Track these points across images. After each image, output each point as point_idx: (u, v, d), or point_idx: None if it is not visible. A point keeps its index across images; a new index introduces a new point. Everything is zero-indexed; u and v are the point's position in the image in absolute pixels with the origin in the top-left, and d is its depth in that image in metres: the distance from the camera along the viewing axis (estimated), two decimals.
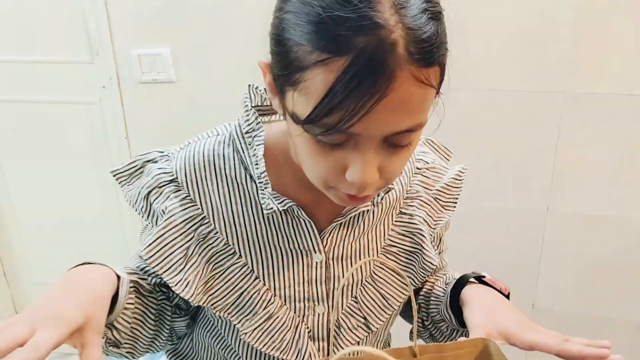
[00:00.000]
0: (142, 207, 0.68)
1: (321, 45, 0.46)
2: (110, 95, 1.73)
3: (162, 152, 0.69)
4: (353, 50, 0.45)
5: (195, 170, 0.65)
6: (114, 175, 0.69)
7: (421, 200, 0.76)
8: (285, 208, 0.63)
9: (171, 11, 1.54)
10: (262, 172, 0.63)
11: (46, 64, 1.78)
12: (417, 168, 0.77)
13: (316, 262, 0.68)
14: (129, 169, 0.69)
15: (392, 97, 0.46)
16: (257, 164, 0.63)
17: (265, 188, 0.63)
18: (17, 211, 2.06)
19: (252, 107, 0.66)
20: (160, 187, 0.66)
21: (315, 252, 0.68)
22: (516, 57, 1.38)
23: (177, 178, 0.66)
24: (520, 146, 1.46)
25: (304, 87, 0.48)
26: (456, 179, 0.79)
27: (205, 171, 0.65)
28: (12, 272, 2.19)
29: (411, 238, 0.75)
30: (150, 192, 0.66)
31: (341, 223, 0.68)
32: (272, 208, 0.63)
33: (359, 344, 0.73)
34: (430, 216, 0.77)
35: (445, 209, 0.79)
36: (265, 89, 0.64)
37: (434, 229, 0.78)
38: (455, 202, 0.80)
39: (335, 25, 0.45)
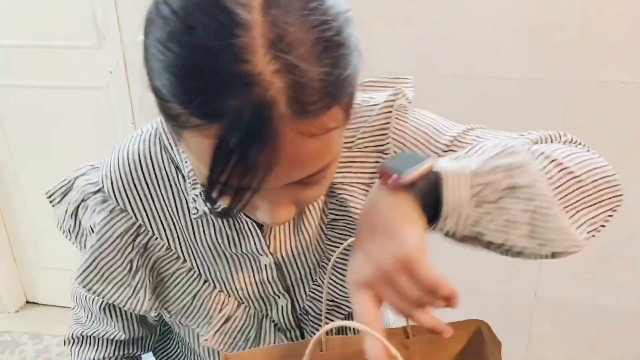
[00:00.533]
0: (70, 226, 0.62)
1: (189, 107, 0.39)
2: (117, 80, 1.74)
3: (94, 164, 0.63)
4: (225, 116, 0.37)
5: (121, 176, 0.58)
6: (47, 197, 0.64)
7: (347, 170, 0.60)
8: (219, 210, 0.55)
9: None
10: (191, 170, 0.56)
11: (54, 49, 1.80)
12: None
13: (264, 265, 0.63)
14: (60, 187, 0.63)
15: (282, 158, 0.39)
16: (187, 161, 0.57)
17: (194, 188, 0.57)
18: (25, 196, 2.09)
19: None
20: (86, 200, 0.60)
21: (262, 255, 0.61)
22: (522, 45, 1.37)
23: (103, 187, 0.59)
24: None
25: (186, 148, 0.43)
26: (384, 113, 0.60)
27: (132, 176, 0.58)
28: (22, 256, 2.22)
29: (344, 224, 0.63)
30: (77, 207, 0.61)
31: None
32: (198, 212, 0.57)
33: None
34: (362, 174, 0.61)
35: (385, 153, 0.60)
36: None
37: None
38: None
39: (200, 84, 0.37)
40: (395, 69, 1.44)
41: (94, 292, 0.60)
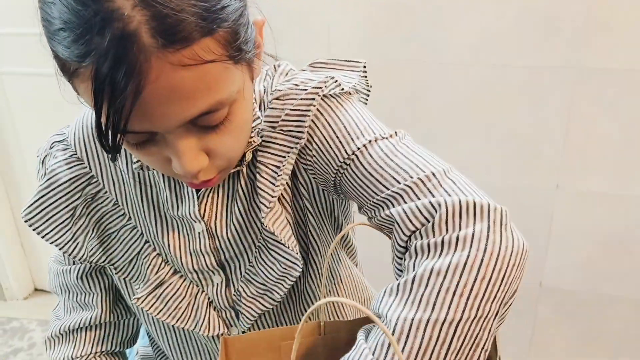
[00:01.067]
0: (41, 174, 0.65)
1: (66, 55, 0.43)
2: None
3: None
4: (93, 54, 0.40)
5: (83, 130, 0.63)
6: (37, 156, 0.68)
7: (267, 150, 0.60)
8: (138, 166, 0.60)
9: None
10: None
11: None
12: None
13: (198, 232, 0.64)
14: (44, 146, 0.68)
15: (153, 91, 0.41)
16: None
17: (135, 162, 0.60)
18: (34, 185, 2.10)
19: None
20: (52, 147, 0.64)
21: (195, 222, 0.63)
22: (527, 32, 1.35)
23: (67, 138, 0.64)
24: (530, 122, 1.44)
25: (81, 92, 0.48)
26: (308, 99, 0.58)
27: (92, 130, 0.62)
28: (30, 244, 2.24)
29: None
30: (45, 156, 0.65)
31: (213, 189, 0.62)
32: (139, 162, 0.59)
33: (263, 316, 0.69)
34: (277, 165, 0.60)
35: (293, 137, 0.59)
36: None
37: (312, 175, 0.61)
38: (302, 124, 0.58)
39: (69, 30, 0.41)
40: (399, 57, 1.44)
41: (37, 231, 0.62)
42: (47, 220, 0.62)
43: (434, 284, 0.43)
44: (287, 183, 0.62)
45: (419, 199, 0.49)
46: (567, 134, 1.42)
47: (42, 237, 0.62)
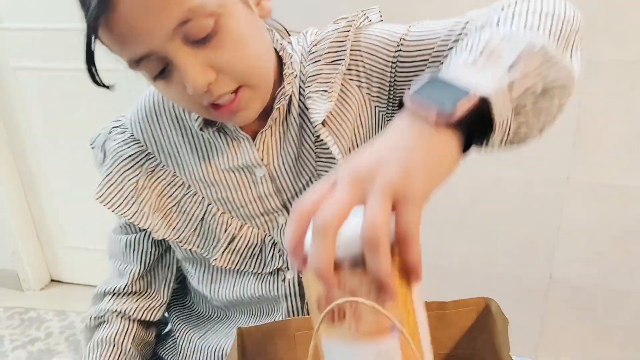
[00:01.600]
0: (100, 159, 0.72)
1: None
2: None
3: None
4: None
5: (138, 114, 0.70)
6: (90, 144, 0.75)
7: (315, 81, 0.65)
8: (215, 128, 0.66)
9: None
10: None
11: (73, 31, 1.82)
12: (308, 55, 0.67)
13: (260, 177, 0.69)
14: (97, 134, 0.75)
15: (121, 7, 0.50)
16: None
17: (197, 120, 0.67)
18: (48, 177, 2.14)
19: None
20: (111, 133, 0.71)
21: (256, 167, 0.68)
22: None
23: (124, 124, 0.72)
24: None
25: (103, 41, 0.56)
26: (344, 30, 0.65)
27: (146, 115, 0.70)
28: (46, 236, 2.28)
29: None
30: (104, 141, 0.72)
31: (267, 132, 0.67)
32: (199, 124, 0.66)
33: None
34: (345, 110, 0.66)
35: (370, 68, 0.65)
36: None
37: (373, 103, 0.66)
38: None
39: None
40: None
41: (107, 206, 0.69)
42: (115, 194, 0.69)
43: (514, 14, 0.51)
44: (339, 110, 0.66)
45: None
46: (577, 125, 1.42)
47: (113, 211, 0.69)
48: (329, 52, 0.65)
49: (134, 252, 0.76)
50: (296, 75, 0.66)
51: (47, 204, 2.20)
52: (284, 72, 0.65)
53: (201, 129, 0.67)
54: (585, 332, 1.64)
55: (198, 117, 0.66)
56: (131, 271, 0.76)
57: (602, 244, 1.52)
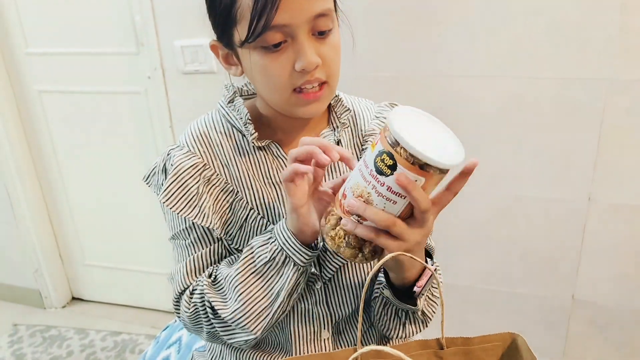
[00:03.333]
0: (162, 180, 0.79)
1: None
2: (155, 85, 1.79)
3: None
4: None
5: (192, 134, 0.81)
6: (144, 181, 0.83)
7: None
8: (264, 145, 0.79)
9: None
10: (248, 119, 0.78)
11: (95, 55, 1.86)
12: (377, 113, 0.87)
13: None
14: (151, 170, 0.82)
15: None
16: (241, 118, 0.79)
17: (252, 134, 0.78)
18: (70, 196, 2.17)
19: (230, 86, 0.84)
20: (169, 153, 0.80)
21: None
22: (559, 44, 1.35)
23: (180, 144, 0.81)
24: (562, 134, 1.43)
25: (240, 14, 0.67)
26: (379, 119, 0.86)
27: (200, 134, 0.80)
28: (67, 254, 2.32)
29: None
30: (164, 163, 0.80)
31: None
32: (254, 137, 0.78)
33: (344, 267, 0.81)
34: None
35: None
36: (228, 82, 0.84)
37: None
38: None
39: None
40: (429, 70, 1.45)
41: (173, 209, 0.76)
42: (179, 199, 0.76)
43: None
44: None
45: None
46: (599, 145, 1.40)
47: (178, 213, 0.76)
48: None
49: (203, 269, 0.81)
50: (349, 110, 0.83)
51: (69, 223, 2.24)
52: (333, 109, 0.83)
53: (254, 143, 0.78)
54: (610, 353, 1.61)
55: (254, 133, 0.78)
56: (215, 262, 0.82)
57: (625, 263, 1.50)
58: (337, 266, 0.80)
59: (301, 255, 0.69)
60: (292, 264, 0.70)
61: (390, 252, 0.59)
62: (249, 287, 0.72)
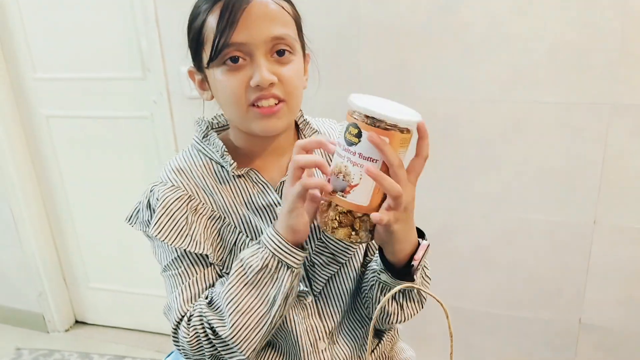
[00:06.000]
0: (148, 217, 0.81)
1: (207, 2, 0.74)
2: (161, 110, 1.81)
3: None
4: None
5: (173, 170, 0.83)
6: (127, 221, 0.84)
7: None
8: (244, 173, 0.82)
9: None
10: (225, 151, 0.81)
11: (101, 80, 1.89)
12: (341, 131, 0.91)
13: (279, 214, 0.78)
14: (134, 210, 0.84)
15: (253, 9, 0.71)
16: (218, 151, 0.82)
17: (232, 164, 0.81)
18: (75, 220, 2.18)
19: (201, 122, 0.88)
20: (152, 190, 0.82)
21: (277, 206, 0.82)
22: (561, 68, 1.36)
23: (162, 180, 0.83)
24: (566, 158, 1.43)
25: (206, 37, 0.74)
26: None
27: (181, 169, 0.83)
28: (71, 277, 2.31)
29: None
30: (148, 200, 0.82)
31: (285, 183, 0.79)
32: (234, 167, 0.81)
33: (332, 278, 0.85)
34: None
35: None
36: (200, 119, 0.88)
37: None
38: None
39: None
40: (430, 94, 1.46)
41: (165, 240, 0.78)
42: (170, 230, 0.78)
43: None
44: None
45: None
46: (603, 169, 1.41)
47: (171, 243, 0.78)
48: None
49: (199, 294, 0.82)
50: (317, 132, 0.88)
51: (73, 246, 2.24)
52: (302, 132, 0.87)
53: (233, 173, 0.82)
54: None
55: (233, 162, 0.81)
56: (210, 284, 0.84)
57: (632, 286, 1.49)
58: (326, 278, 0.84)
59: (294, 257, 0.71)
60: (286, 267, 0.72)
61: (393, 195, 0.63)
62: (244, 298, 0.73)
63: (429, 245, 0.74)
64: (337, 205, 0.66)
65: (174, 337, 0.81)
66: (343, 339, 0.88)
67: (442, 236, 1.61)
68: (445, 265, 1.64)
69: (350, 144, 0.63)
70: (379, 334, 0.92)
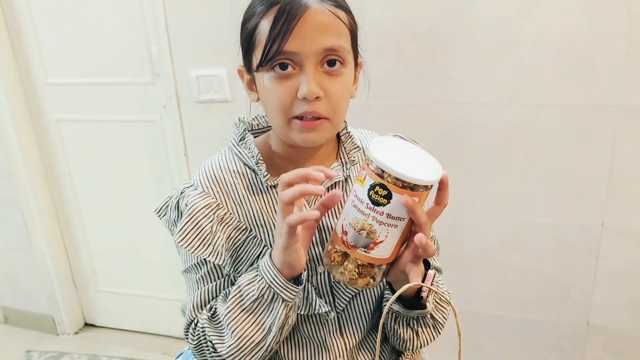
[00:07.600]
0: (175, 217, 0.81)
1: (262, 4, 0.72)
2: (170, 114, 1.83)
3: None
4: (281, 1, 0.70)
5: (206, 174, 0.82)
6: (155, 213, 0.83)
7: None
8: (277, 183, 0.80)
9: (226, 35, 1.62)
10: (259, 159, 0.80)
11: (111, 85, 1.91)
12: None
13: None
14: (163, 203, 0.83)
15: (308, 18, 0.69)
16: (253, 157, 0.81)
17: (265, 176, 0.80)
18: (85, 223, 2.20)
19: (239, 123, 0.87)
20: (183, 192, 0.81)
21: None
22: (567, 71, 1.37)
23: (195, 182, 0.82)
24: (574, 161, 1.44)
25: (258, 40, 0.72)
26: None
27: (214, 174, 0.82)
28: (81, 280, 2.33)
29: None
30: (178, 200, 0.81)
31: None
32: (267, 178, 0.81)
33: (355, 296, 0.84)
34: None
35: None
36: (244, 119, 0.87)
37: None
38: None
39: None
40: (437, 96, 1.47)
41: (188, 248, 0.77)
42: (194, 238, 0.77)
43: None
44: None
45: None
46: (610, 171, 1.41)
47: (192, 252, 0.77)
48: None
49: (208, 302, 0.83)
50: (359, 148, 0.86)
51: (83, 249, 2.26)
52: (343, 144, 0.85)
53: (267, 182, 0.81)
54: None
55: (267, 175, 0.80)
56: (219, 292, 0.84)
57: (639, 289, 1.49)
58: (350, 296, 0.83)
59: (288, 292, 0.71)
60: (281, 300, 0.72)
61: (428, 252, 0.65)
62: (240, 323, 0.74)
63: (435, 275, 0.74)
64: (357, 258, 0.66)
65: (186, 336, 0.83)
66: (363, 356, 0.87)
67: (449, 239, 1.62)
68: (453, 269, 1.65)
69: (377, 204, 0.62)
70: (397, 352, 0.91)
